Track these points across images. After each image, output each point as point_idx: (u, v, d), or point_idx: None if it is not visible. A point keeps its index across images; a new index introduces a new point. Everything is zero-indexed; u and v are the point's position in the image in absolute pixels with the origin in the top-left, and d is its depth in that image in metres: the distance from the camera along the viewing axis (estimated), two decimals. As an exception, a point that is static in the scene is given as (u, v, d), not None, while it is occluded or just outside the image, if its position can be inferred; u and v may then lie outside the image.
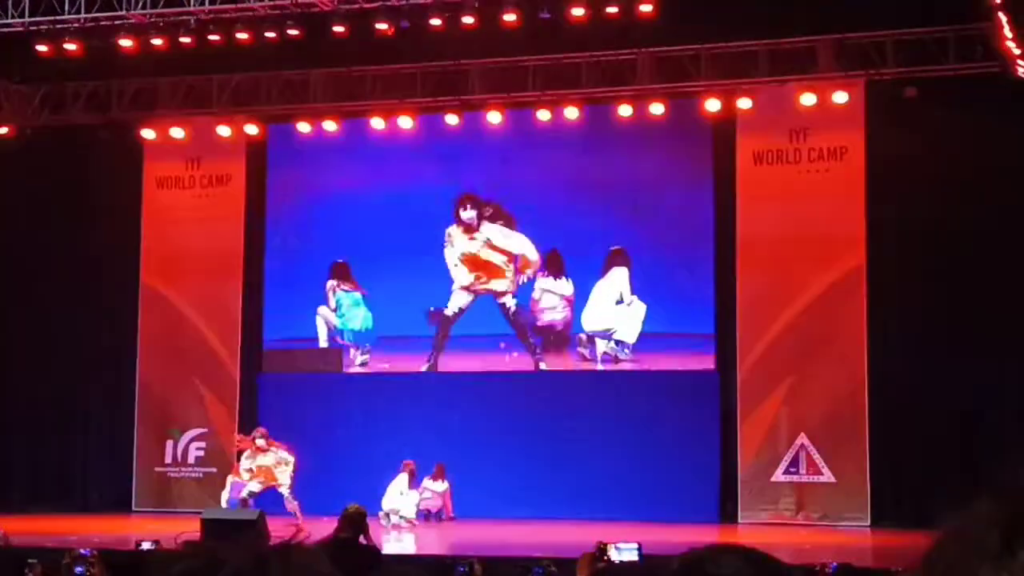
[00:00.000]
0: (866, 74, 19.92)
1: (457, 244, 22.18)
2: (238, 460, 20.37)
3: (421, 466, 20.56)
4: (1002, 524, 1.11)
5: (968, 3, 17.41)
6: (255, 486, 19.48)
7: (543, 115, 21.14)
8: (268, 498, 19.32)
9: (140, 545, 12.57)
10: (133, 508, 22.63)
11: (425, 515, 20.65)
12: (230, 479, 20.09)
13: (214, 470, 22.03)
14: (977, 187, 19.15)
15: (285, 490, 19.41)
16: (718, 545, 1.82)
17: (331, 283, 22.47)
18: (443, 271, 22.18)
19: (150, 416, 22.93)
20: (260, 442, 19.70)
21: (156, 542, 12.26)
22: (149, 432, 22.92)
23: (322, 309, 22.48)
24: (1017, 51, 17.82)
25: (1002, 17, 17.23)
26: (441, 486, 20.82)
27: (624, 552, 10.08)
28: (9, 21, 18.76)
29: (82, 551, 8.80)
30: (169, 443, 22.75)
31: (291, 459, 19.60)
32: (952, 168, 19.33)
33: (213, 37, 18.87)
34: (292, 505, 19.16)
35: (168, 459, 22.79)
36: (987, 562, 1.11)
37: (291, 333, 22.77)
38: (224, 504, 19.59)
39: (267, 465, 19.55)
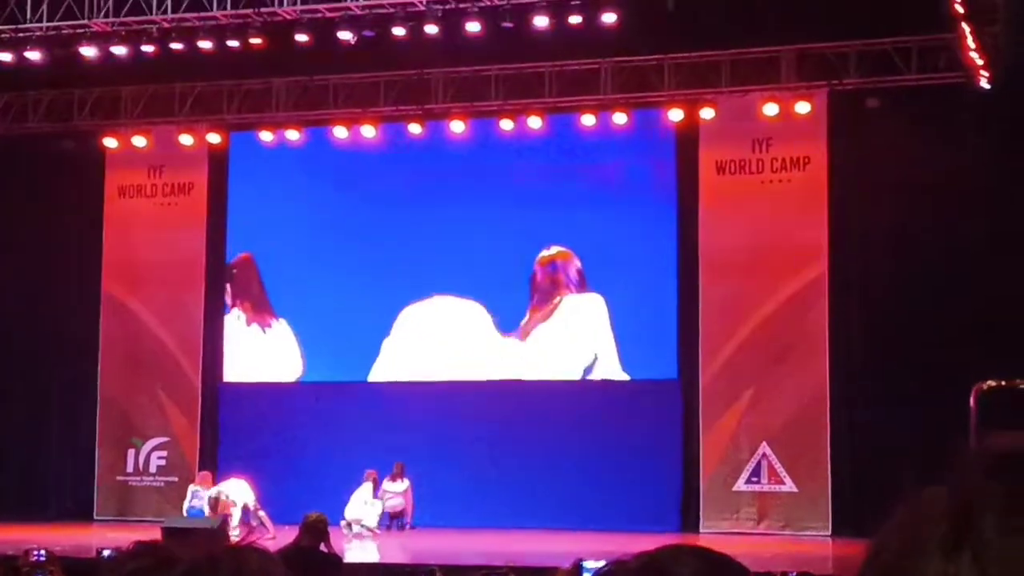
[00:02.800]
0: (828, 84, 20.02)
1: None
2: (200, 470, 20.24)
3: (384, 475, 20.51)
4: (950, 516, 1.07)
5: (931, 14, 17.51)
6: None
7: (506, 125, 21.15)
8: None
9: (101, 553, 12.49)
10: (95, 517, 22.50)
11: (389, 519, 20.48)
12: (191, 488, 19.95)
13: (175, 479, 21.92)
14: (939, 197, 19.25)
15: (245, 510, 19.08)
16: (677, 545, 1.80)
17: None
18: (409, 274, 22.08)
19: (112, 425, 22.80)
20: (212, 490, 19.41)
21: (117, 550, 12.19)
22: (111, 441, 22.79)
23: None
24: (980, 61, 17.94)
25: (965, 28, 17.33)
26: (401, 485, 20.63)
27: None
28: (-30, 29, 18.65)
29: (35, 554, 8.73)
30: (131, 452, 22.63)
31: (239, 500, 19.18)
32: (914, 178, 19.43)
33: (176, 45, 18.78)
34: (259, 518, 18.93)
35: (130, 468, 22.66)
36: (934, 557, 1.07)
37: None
38: (185, 513, 19.48)
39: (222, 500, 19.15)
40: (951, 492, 1.10)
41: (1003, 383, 14.76)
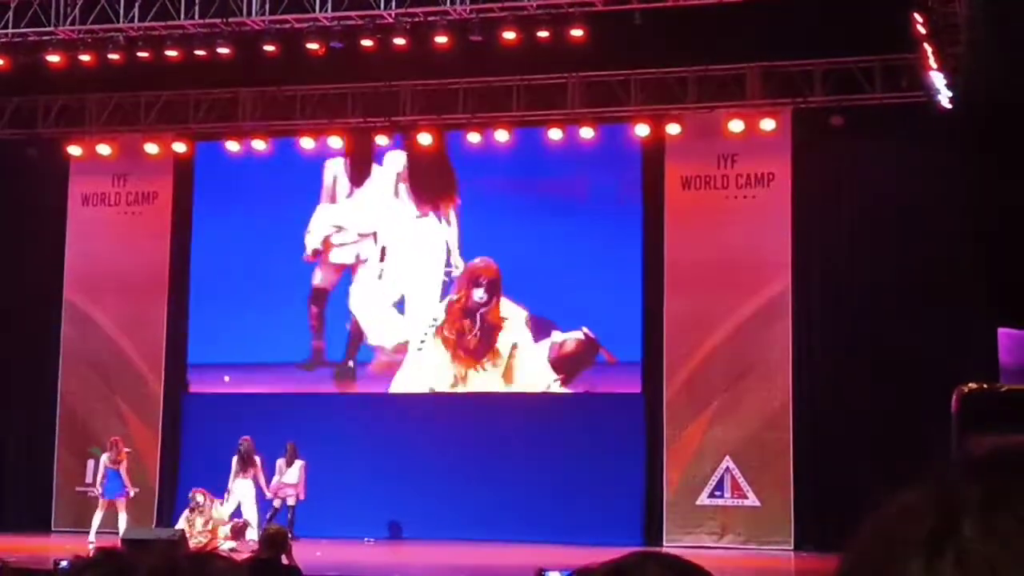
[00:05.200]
0: (793, 102, 20.16)
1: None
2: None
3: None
4: (930, 519, 1.05)
5: (894, 34, 17.66)
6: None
7: (473, 137, 21.18)
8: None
9: (58, 564, 12.41)
10: (52, 528, 22.31)
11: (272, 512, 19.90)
12: (104, 465, 19.81)
13: (136, 490, 21.73)
14: (901, 214, 19.42)
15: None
16: (642, 552, 1.80)
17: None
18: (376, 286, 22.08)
19: (71, 435, 22.62)
20: (199, 499, 19.38)
21: (76, 557, 12.10)
22: (70, 451, 22.61)
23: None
24: (942, 81, 18.10)
25: (927, 48, 17.50)
26: (294, 474, 20.14)
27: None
28: (-65, 35, 18.54)
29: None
30: (90, 462, 22.42)
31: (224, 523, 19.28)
32: (877, 196, 19.62)
33: (142, 54, 18.72)
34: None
35: (89, 479, 22.47)
36: (914, 561, 1.03)
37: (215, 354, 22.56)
38: (100, 486, 19.77)
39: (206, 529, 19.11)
40: (930, 494, 1.08)
41: (984, 386, 14.70)
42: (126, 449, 20.63)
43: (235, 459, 19.91)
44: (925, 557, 1.03)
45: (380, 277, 22.16)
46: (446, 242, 21.99)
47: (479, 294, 21.74)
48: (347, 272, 22.31)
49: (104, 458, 20.11)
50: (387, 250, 22.20)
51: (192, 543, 17.83)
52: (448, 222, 22.06)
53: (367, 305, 22.18)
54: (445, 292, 21.93)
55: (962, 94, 18.13)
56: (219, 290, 22.53)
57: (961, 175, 18.84)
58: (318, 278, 22.38)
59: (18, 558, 14.58)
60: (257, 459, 19.96)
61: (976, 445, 1.12)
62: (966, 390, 13.68)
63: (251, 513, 19.58)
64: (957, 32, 17.16)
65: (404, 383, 21.93)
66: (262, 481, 19.93)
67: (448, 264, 21.97)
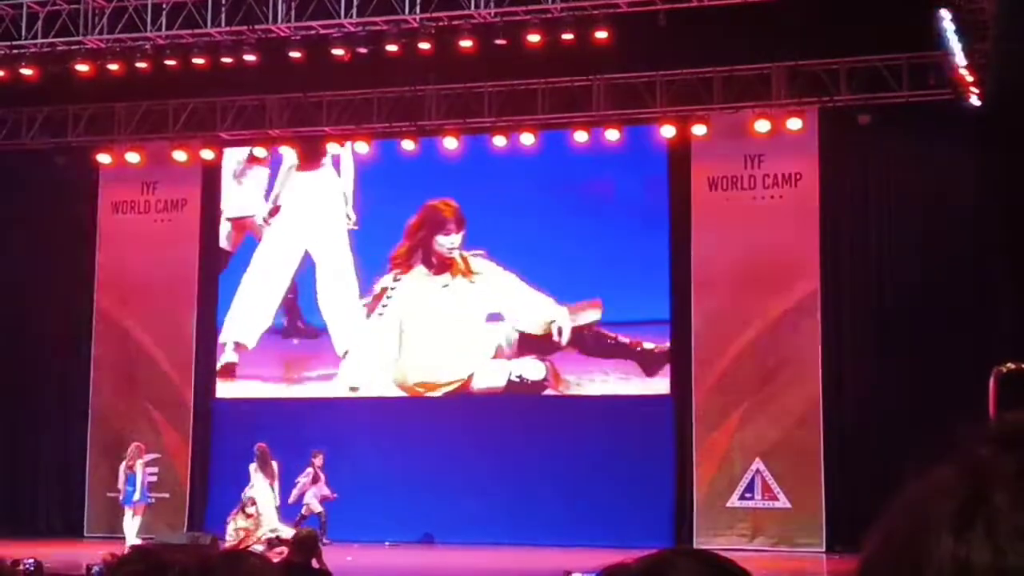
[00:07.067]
0: (820, 101, 20.09)
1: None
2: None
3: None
4: (960, 492, 1.04)
5: (921, 31, 17.60)
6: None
7: (499, 141, 21.18)
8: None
9: (91, 569, 12.49)
10: (84, 534, 22.43)
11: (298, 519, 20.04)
12: (123, 470, 19.85)
13: (167, 495, 21.86)
14: (929, 212, 19.35)
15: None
16: (679, 549, 1.81)
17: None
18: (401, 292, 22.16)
19: (103, 441, 22.74)
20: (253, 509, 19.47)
21: (112, 555, 12.19)
22: (101, 457, 22.72)
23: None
24: (969, 79, 18.03)
25: (955, 45, 17.42)
26: (323, 488, 20.17)
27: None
28: (-36, 46, 18.68)
29: (25, 564, 8.74)
30: (122, 468, 22.54)
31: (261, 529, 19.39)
32: (905, 194, 19.55)
33: (170, 62, 18.81)
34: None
35: (121, 484, 22.58)
36: (944, 535, 1.03)
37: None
38: (122, 487, 19.65)
39: (246, 528, 19.20)
40: (960, 468, 1.07)
41: (1023, 365, 14.51)
42: (151, 455, 20.71)
43: (252, 466, 19.91)
44: (956, 529, 1.03)
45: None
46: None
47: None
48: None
49: (122, 465, 20.11)
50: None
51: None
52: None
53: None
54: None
55: (990, 91, 18.06)
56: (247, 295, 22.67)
57: (989, 172, 18.77)
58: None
59: (51, 564, 14.66)
60: (274, 464, 19.92)
61: (1002, 419, 1.10)
62: (1004, 370, 13.48)
63: (272, 519, 19.57)
64: (985, 29, 17.09)
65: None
66: (276, 487, 19.90)
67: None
